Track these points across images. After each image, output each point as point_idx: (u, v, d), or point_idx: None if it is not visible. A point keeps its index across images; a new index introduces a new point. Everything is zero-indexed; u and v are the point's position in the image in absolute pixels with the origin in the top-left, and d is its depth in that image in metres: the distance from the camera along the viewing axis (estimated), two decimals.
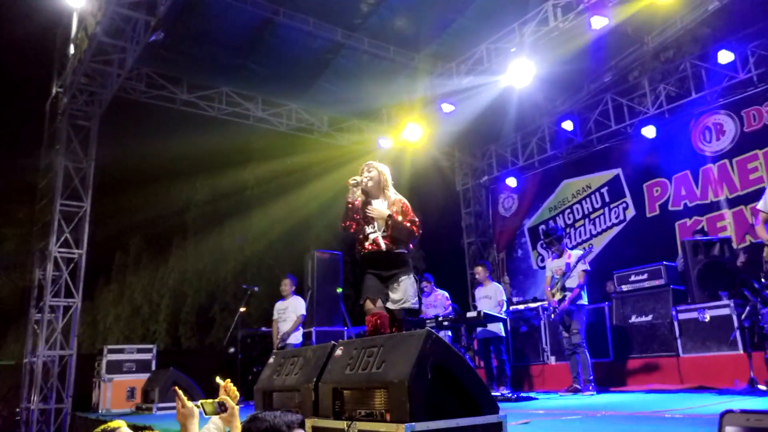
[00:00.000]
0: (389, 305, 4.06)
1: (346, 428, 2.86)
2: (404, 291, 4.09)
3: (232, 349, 8.42)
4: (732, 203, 8.51)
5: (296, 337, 7.72)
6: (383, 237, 4.17)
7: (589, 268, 6.80)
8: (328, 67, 9.61)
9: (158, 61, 9.07)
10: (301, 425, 1.81)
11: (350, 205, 4.27)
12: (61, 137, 9.14)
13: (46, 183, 9.62)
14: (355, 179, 4.28)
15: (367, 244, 4.22)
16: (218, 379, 2.71)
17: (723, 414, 1.08)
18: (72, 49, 9.21)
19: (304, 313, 7.80)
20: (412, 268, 4.28)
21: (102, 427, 2.63)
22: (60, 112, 9.34)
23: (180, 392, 2.60)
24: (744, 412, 1.07)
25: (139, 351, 8.74)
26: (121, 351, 8.62)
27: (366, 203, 4.28)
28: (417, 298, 4.20)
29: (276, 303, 7.97)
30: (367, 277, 4.19)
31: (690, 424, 3.69)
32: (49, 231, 8.91)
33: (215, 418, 2.55)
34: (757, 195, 8.20)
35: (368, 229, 4.25)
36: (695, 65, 9.07)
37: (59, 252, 8.87)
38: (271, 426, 1.76)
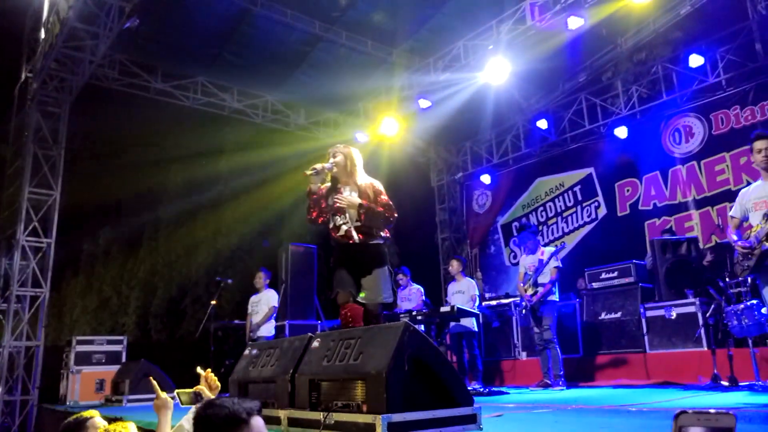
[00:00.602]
0: (360, 299, 3.85)
1: (322, 419, 2.87)
2: (376, 284, 3.88)
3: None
4: (699, 204, 8.73)
5: (268, 330, 7.70)
6: (356, 228, 3.91)
7: (561, 265, 6.91)
8: (305, 59, 9.55)
9: (132, 48, 8.91)
10: (260, 411, 1.79)
11: (313, 195, 4.03)
12: (30, 123, 8.93)
13: (13, 170, 9.39)
14: (314, 168, 3.99)
15: (338, 235, 3.96)
16: (198, 369, 2.70)
17: (677, 414, 1.12)
18: (43, 34, 8.99)
19: (276, 305, 7.78)
20: (387, 259, 4.04)
21: (75, 415, 2.60)
22: (29, 97, 9.12)
23: (154, 383, 2.58)
24: (697, 412, 1.10)
25: (109, 342, 8.58)
26: (90, 342, 8.46)
27: (333, 190, 4.03)
28: (391, 292, 3.99)
29: (251, 297, 7.97)
30: (338, 269, 3.96)
31: (655, 417, 3.80)
32: (16, 219, 8.71)
33: (194, 409, 2.54)
34: (723, 197, 8.46)
35: (339, 220, 3.97)
36: (666, 68, 9.26)
37: (27, 240, 8.68)
38: (231, 412, 1.72)
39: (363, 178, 4.08)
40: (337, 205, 3.97)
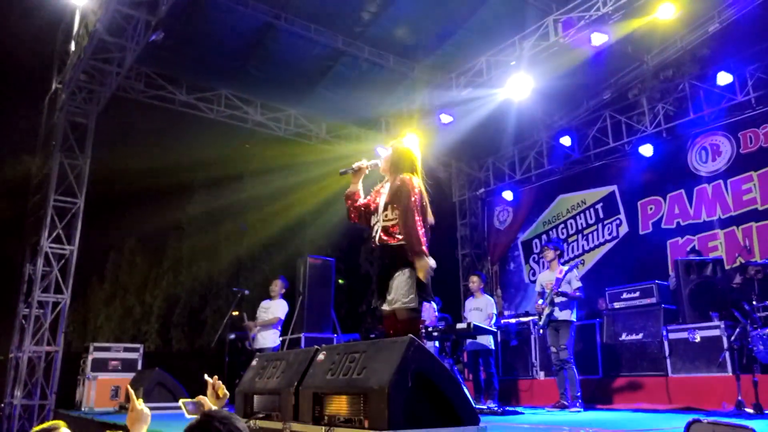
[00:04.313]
0: (385, 307, 3.67)
1: None
2: (396, 289, 3.60)
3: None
4: (724, 223, 8.52)
5: (273, 340, 7.63)
6: (382, 228, 3.71)
7: (581, 284, 6.78)
8: (327, 74, 9.61)
9: (158, 61, 9.06)
10: None
11: (348, 200, 3.94)
12: (58, 133, 9.13)
13: (40, 178, 9.59)
14: (348, 168, 3.94)
15: (372, 236, 3.82)
16: (206, 376, 2.67)
17: (690, 423, 1.06)
18: (73, 46, 9.21)
19: (282, 317, 7.71)
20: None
21: (40, 426, 2.52)
22: (58, 108, 9.33)
23: (132, 392, 2.36)
24: (712, 423, 1.04)
25: (126, 350, 8.65)
26: (107, 349, 8.54)
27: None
28: (413, 296, 3.60)
29: (262, 302, 7.89)
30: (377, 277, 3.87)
31: None
32: (41, 226, 8.87)
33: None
34: (749, 216, 8.23)
35: (372, 219, 3.84)
36: (694, 85, 9.10)
37: (51, 247, 8.83)
38: None
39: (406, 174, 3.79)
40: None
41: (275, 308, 7.68)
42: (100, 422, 6.18)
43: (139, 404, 2.30)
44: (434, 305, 7.90)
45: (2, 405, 8.66)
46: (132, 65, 8.56)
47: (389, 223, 3.71)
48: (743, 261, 7.19)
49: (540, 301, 6.84)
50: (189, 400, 2.67)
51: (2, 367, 9.38)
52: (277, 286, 7.81)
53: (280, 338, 7.96)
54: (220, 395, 2.68)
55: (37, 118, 10.13)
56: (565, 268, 6.77)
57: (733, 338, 5.78)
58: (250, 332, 7.62)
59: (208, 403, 2.60)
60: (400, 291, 3.60)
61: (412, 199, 3.62)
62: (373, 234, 3.79)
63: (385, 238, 3.70)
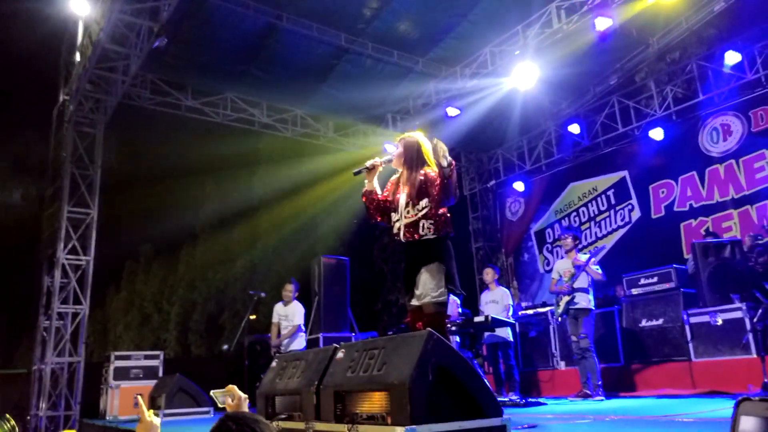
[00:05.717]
0: (414, 302, 3.65)
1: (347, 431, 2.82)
2: (423, 284, 3.58)
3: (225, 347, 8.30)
4: (738, 203, 8.44)
5: (299, 344, 7.60)
6: (405, 225, 3.70)
7: (601, 271, 6.73)
8: (332, 72, 9.59)
9: (163, 67, 9.09)
10: None
11: (363, 198, 3.87)
12: (67, 144, 9.18)
13: (53, 190, 9.66)
14: (361, 168, 3.88)
15: (393, 233, 3.80)
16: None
17: (740, 401, 1.02)
18: (78, 57, 9.25)
19: (300, 322, 7.63)
20: (440, 255, 3.64)
21: None
22: (66, 119, 9.38)
23: (141, 402, 2.26)
24: (763, 399, 1.00)
25: (147, 357, 8.70)
26: (128, 357, 8.59)
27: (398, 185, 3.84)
28: (442, 290, 3.59)
29: (276, 305, 7.81)
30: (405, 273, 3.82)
31: (701, 428, 3.61)
32: (56, 238, 8.94)
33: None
34: (764, 194, 8.13)
35: (394, 217, 3.80)
36: (702, 66, 8.99)
37: (67, 259, 8.89)
38: None
39: (425, 168, 3.78)
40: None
41: (292, 314, 7.61)
42: (124, 430, 6.22)
43: (149, 416, 2.23)
44: (457, 300, 7.86)
45: (29, 417, 8.73)
46: (137, 73, 8.60)
47: (411, 220, 3.69)
48: (759, 241, 7.11)
49: (555, 280, 6.79)
50: (220, 390, 2.66)
51: (26, 380, 9.46)
52: (290, 290, 7.69)
53: (309, 337, 7.90)
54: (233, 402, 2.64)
55: (46, 131, 10.20)
56: (583, 256, 6.71)
57: (756, 319, 5.70)
58: (284, 348, 7.50)
59: (238, 391, 2.58)
60: (428, 285, 3.58)
61: (436, 189, 3.65)
62: (395, 231, 3.76)
63: (409, 234, 3.67)
